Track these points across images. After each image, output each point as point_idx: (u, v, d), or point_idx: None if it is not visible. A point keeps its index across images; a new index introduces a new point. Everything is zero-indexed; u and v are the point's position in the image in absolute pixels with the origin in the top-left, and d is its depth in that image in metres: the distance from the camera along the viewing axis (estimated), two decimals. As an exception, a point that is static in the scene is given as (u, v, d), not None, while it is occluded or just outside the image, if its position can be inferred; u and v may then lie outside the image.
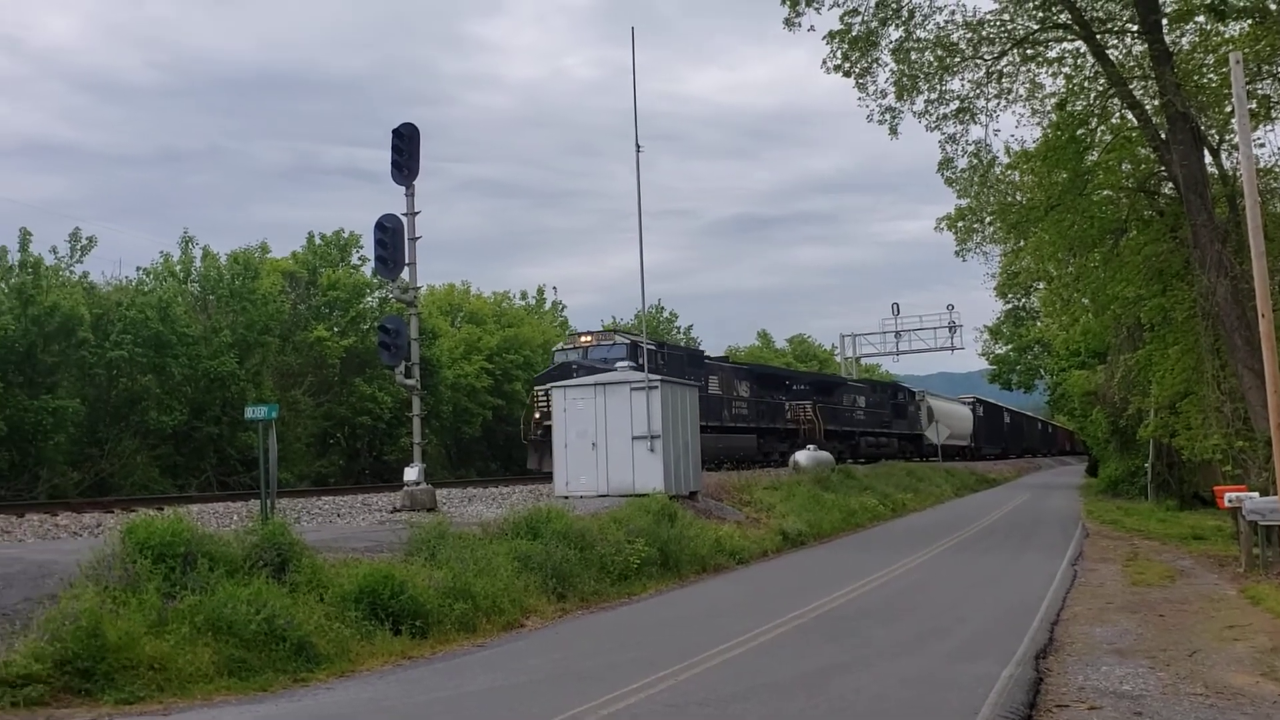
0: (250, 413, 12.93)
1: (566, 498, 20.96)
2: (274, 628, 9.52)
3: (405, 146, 19.26)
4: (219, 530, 11.95)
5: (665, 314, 65.62)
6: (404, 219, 19.30)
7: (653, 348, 29.37)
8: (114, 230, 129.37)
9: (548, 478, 27.76)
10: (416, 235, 19.40)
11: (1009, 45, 21.49)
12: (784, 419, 41.94)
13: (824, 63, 21.64)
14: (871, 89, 21.93)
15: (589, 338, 31.58)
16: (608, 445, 22.26)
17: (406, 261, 19.37)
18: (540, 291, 57.34)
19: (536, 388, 30.89)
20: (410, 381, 19.78)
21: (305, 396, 36.84)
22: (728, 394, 36.98)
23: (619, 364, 26.60)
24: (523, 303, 54.97)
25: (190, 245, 35.05)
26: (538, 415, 28.69)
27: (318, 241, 41.51)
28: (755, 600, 14.50)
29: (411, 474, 19.18)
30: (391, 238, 19.11)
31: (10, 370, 26.98)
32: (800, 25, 21.13)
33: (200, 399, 31.65)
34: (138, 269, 39.92)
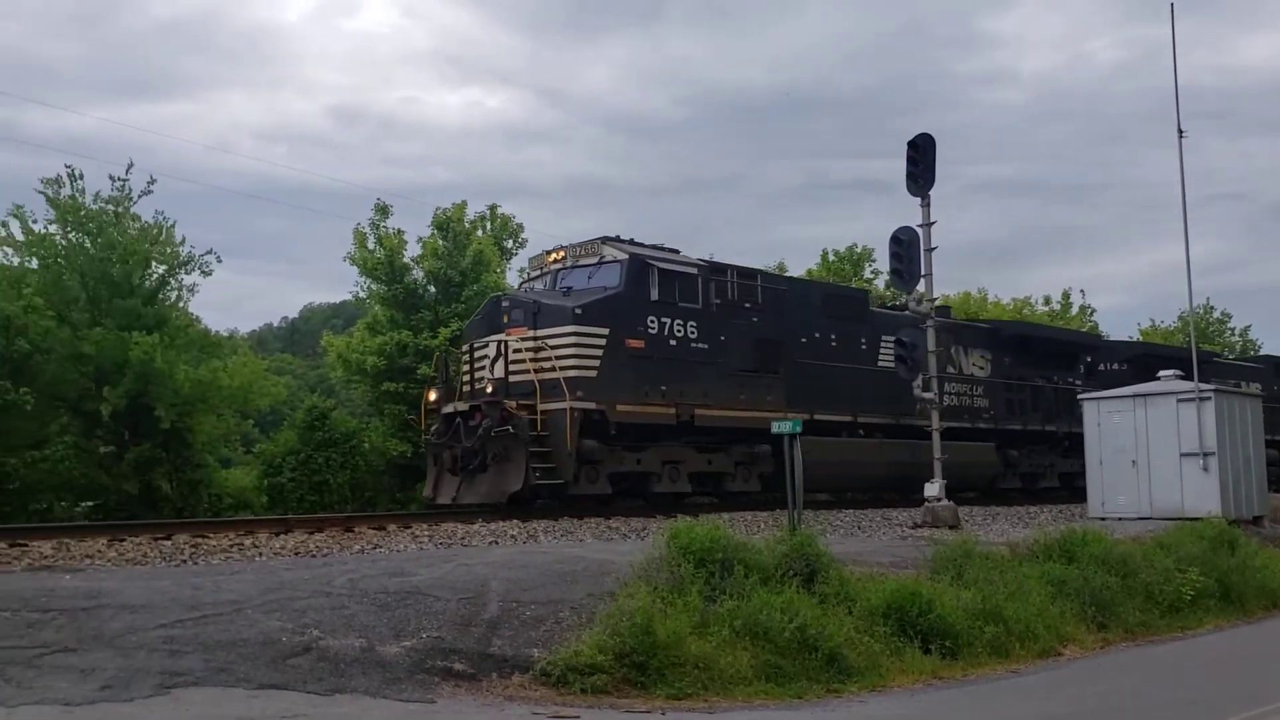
0: (776, 427, 13.41)
1: (1103, 519, 19.46)
2: (806, 637, 9.74)
3: (920, 157, 19.03)
4: (749, 536, 12.48)
5: (1216, 314, 57.94)
6: (919, 230, 19.07)
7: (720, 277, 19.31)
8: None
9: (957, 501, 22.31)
10: (932, 246, 19.10)
11: None
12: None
13: None
14: None
15: (558, 255, 19.33)
16: (1150, 463, 20.37)
17: (922, 273, 19.13)
18: (1065, 295, 53.74)
19: (463, 346, 19.40)
20: (929, 395, 19.50)
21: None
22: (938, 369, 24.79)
23: (609, 290, 17.98)
24: (1045, 308, 52.03)
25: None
26: (433, 396, 18.32)
27: (831, 258, 42.39)
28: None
29: (932, 490, 18.85)
30: (907, 250, 18.98)
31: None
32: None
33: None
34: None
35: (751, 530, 15.82)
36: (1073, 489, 26.19)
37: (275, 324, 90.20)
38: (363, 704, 7.35)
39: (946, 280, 65.30)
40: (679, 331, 18.67)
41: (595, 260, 18.76)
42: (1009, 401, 25.88)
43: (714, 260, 19.94)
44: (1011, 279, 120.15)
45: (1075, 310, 53.57)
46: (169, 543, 12.48)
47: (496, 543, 14.15)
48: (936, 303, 20.62)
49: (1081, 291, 64.48)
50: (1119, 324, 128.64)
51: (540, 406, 16.69)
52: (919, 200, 19.16)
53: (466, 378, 18.36)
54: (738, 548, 10.64)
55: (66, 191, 22.45)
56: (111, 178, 23.38)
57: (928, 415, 19.74)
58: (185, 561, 11.56)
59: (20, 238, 22.20)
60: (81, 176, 22.67)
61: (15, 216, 22.11)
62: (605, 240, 19.07)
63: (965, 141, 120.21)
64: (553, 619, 9.37)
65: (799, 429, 13.29)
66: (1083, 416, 21.97)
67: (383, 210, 28.45)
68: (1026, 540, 15.11)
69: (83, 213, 22.38)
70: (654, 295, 18.38)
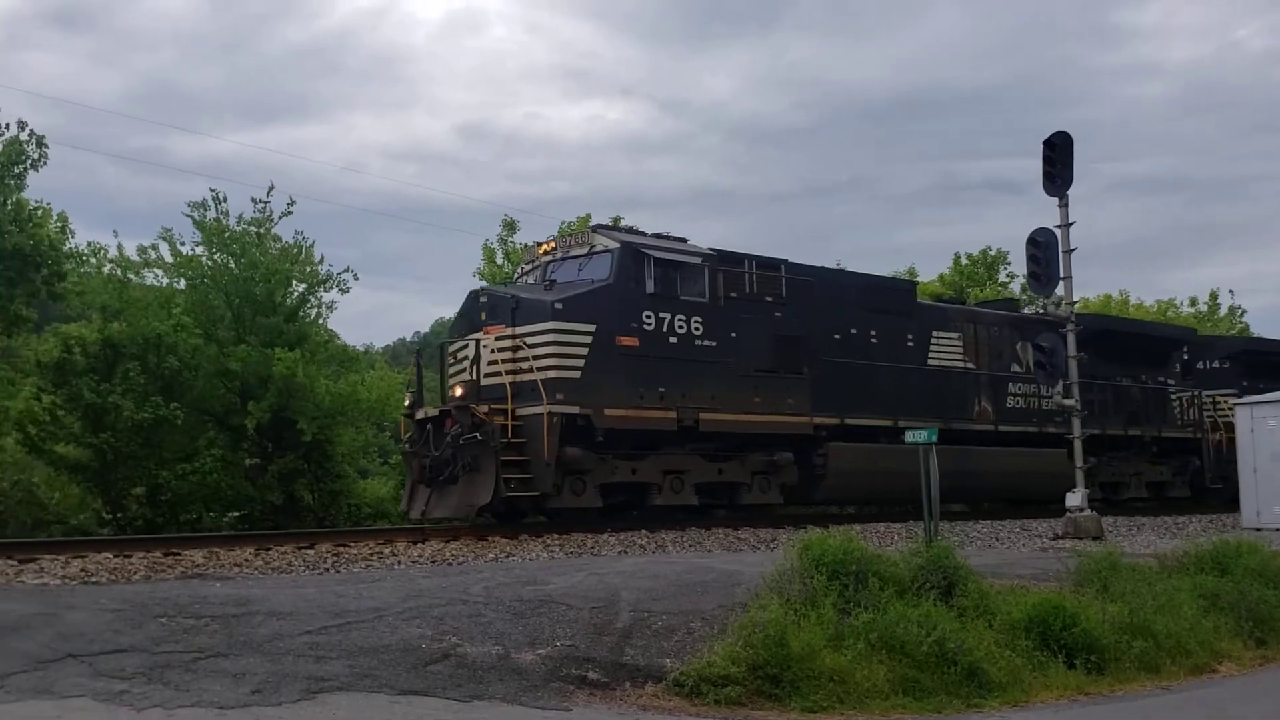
0: (910, 436, 13.14)
1: (1259, 530, 18.52)
2: (945, 650, 9.50)
3: (1057, 156, 18.42)
4: (882, 548, 12.26)
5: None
6: (1057, 231, 18.49)
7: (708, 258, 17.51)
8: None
9: (1193, 506, 21.82)
10: (1071, 248, 18.49)
11: None
12: (1175, 416, 24.91)
13: None
14: None
15: (548, 246, 18.00)
16: (1310, 470, 19.32)
17: (1061, 276, 18.54)
18: (1213, 296, 51.31)
19: (448, 348, 17.94)
20: (1070, 401, 18.88)
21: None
22: (990, 365, 21.92)
23: (596, 283, 16.57)
24: (1191, 309, 49.85)
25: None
26: (408, 402, 17.36)
27: (964, 261, 41.48)
28: None
29: (1074, 499, 18.23)
30: (1044, 252, 18.43)
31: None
32: None
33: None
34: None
35: (885, 542, 15.56)
36: (1166, 500, 24.57)
37: (408, 338, 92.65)
38: (500, 711, 7.45)
39: (1086, 283, 63.15)
40: (681, 327, 16.98)
41: (585, 251, 17.17)
42: (1086, 403, 22.22)
43: (726, 249, 18.50)
44: (1153, 280, 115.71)
45: (1224, 311, 51.21)
46: (312, 551, 12.89)
47: (625, 552, 14.24)
48: (1077, 305, 19.74)
49: (1230, 292, 61.54)
50: (1273, 325, 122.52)
51: (518, 411, 15.36)
52: (1056, 201, 18.57)
53: (452, 380, 16.85)
54: (872, 560, 10.44)
55: (211, 214, 23.43)
56: (253, 200, 24.39)
57: (988, 419, 19.02)
58: (327, 570, 11.94)
59: (169, 259, 23.25)
60: (225, 199, 23.65)
61: (164, 239, 23.17)
62: (597, 228, 17.82)
63: (1102, 138, 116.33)
64: (684, 629, 9.35)
65: (934, 438, 12.96)
66: (1234, 422, 20.90)
67: (510, 226, 28.98)
68: (1175, 552, 14.51)
69: (227, 234, 23.32)
70: (650, 288, 16.74)
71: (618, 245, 16.78)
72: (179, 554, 12.25)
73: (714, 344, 17.32)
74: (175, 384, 21.18)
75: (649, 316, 16.66)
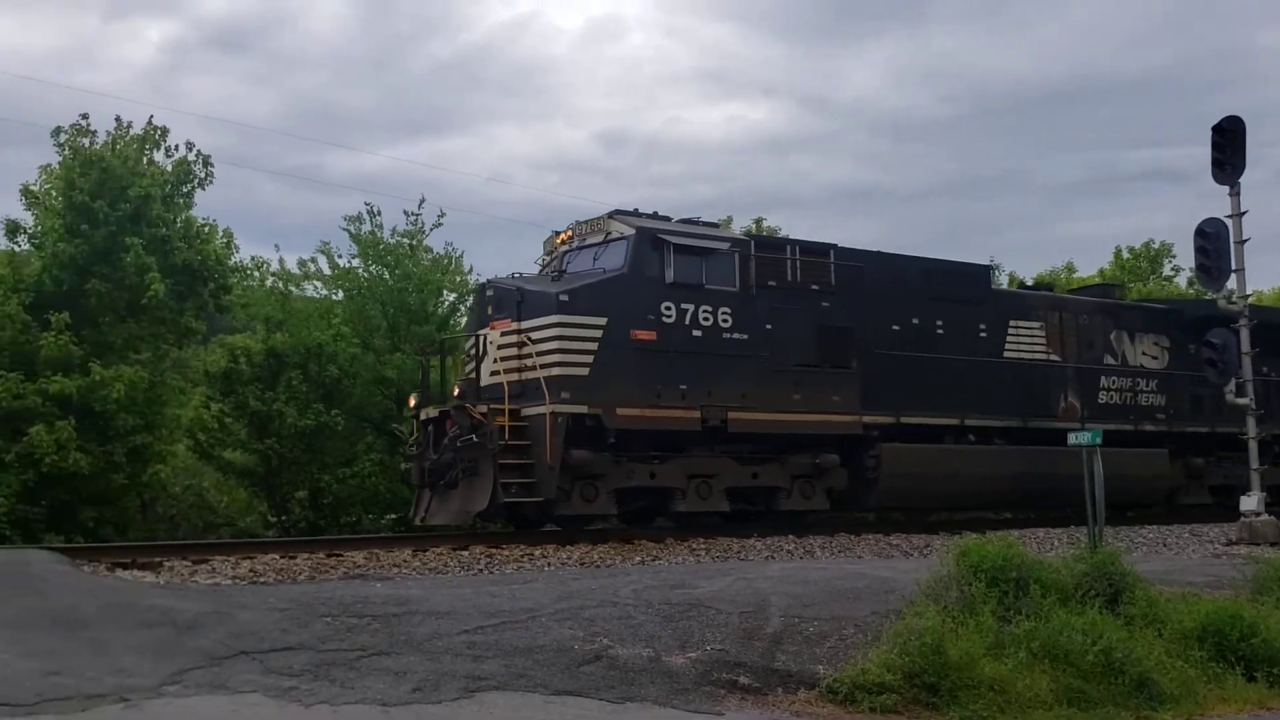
0: (1073, 438, 12.65)
1: None
2: (1111, 660, 9.10)
3: (1228, 142, 17.45)
4: (1041, 554, 11.84)
5: None
6: (1228, 221, 17.56)
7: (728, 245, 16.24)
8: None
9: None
10: (1244, 238, 17.53)
11: None
12: None
13: None
14: None
15: (565, 235, 16.88)
16: None
17: (1233, 268, 17.60)
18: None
19: (462, 338, 17.60)
20: (1243, 401, 17.91)
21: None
22: (1079, 357, 20.01)
23: (609, 273, 15.41)
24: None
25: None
26: (413, 401, 16.13)
27: (1125, 255, 39.82)
28: None
29: (1249, 503, 17.27)
30: (1214, 244, 17.52)
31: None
32: None
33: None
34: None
35: (1044, 548, 15.05)
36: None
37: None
38: (653, 713, 7.46)
39: (1264, 272, 59.81)
40: (706, 319, 15.67)
41: (602, 238, 15.97)
42: (1194, 398, 21.24)
43: (762, 234, 17.40)
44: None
45: None
46: (466, 553, 13.17)
47: (772, 557, 14.13)
48: (1250, 299, 18.60)
49: None
50: None
51: (524, 411, 14.52)
52: (1227, 189, 17.63)
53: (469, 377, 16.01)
54: (1033, 566, 10.10)
55: (366, 228, 24.25)
56: (405, 213, 25.12)
57: (1075, 416, 17.72)
58: (481, 570, 12.19)
59: (327, 272, 24.16)
60: (379, 213, 24.44)
61: (323, 253, 24.08)
62: (615, 214, 16.25)
63: (1275, 121, 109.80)
64: (836, 635, 9.21)
65: (1099, 440, 12.40)
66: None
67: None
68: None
69: (381, 247, 24.09)
70: (670, 276, 15.46)
71: (633, 231, 15.51)
72: (341, 555, 12.67)
73: (745, 337, 16.01)
74: (335, 391, 21.95)
75: (669, 308, 15.40)
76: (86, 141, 19.28)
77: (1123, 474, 17.89)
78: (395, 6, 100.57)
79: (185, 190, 20.22)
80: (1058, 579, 10.20)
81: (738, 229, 28.39)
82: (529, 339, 14.80)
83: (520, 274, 16.59)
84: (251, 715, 6.52)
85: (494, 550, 13.40)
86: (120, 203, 18.38)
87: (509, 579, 11.14)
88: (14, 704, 6.34)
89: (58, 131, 19.21)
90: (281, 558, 12.29)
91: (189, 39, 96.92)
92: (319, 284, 24.45)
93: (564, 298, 14.82)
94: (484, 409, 14.42)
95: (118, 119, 19.87)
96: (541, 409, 14.24)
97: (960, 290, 18.73)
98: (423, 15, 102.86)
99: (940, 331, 18.27)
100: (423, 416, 15.51)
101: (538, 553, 13.42)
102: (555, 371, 14.48)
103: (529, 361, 14.68)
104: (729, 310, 15.88)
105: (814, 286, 16.91)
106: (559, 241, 16.86)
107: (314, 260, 24.18)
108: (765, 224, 31.72)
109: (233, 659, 7.45)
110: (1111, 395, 20.44)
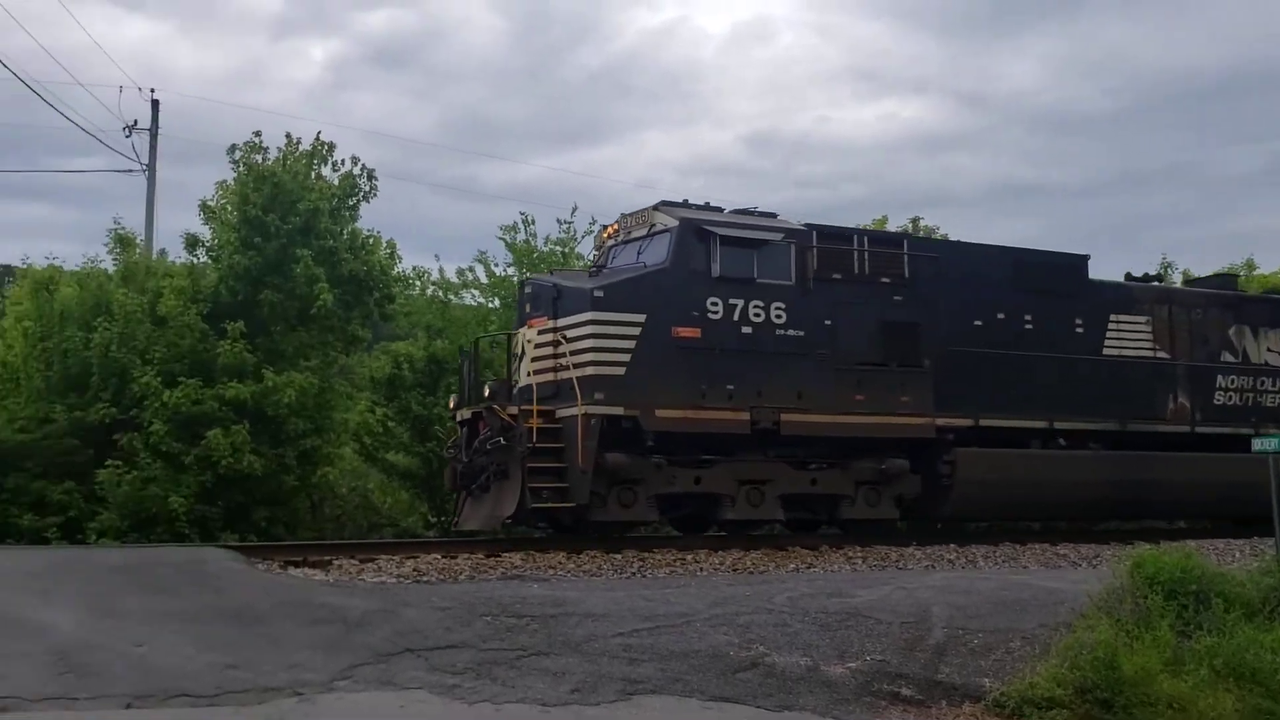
0: (1258, 444, 11.93)
1: None
2: (1305, 681, 8.55)
3: None
4: (1223, 567, 11.21)
5: None
6: None
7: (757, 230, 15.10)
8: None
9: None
10: None
11: None
12: None
13: None
14: None
15: (610, 229, 16.18)
16: None
17: None
18: None
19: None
20: None
21: None
22: (1191, 354, 18.30)
23: (650, 267, 14.67)
24: None
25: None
26: (453, 402, 15.70)
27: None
28: None
29: None
30: None
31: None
32: None
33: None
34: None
35: (1224, 560, 14.25)
36: None
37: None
38: (812, 723, 7.36)
39: None
40: (757, 315, 14.75)
41: (645, 231, 15.12)
42: None
43: (826, 225, 16.11)
44: None
45: None
46: (619, 556, 13.24)
47: (932, 566, 13.76)
48: None
49: None
50: None
51: (559, 413, 13.96)
52: None
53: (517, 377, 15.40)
54: (1214, 578, 9.60)
55: (521, 236, 24.66)
56: (558, 221, 25.51)
57: (1185, 418, 15.91)
58: (634, 574, 12.23)
59: (484, 280, 24.70)
60: (533, 222, 24.83)
61: (480, 262, 24.62)
62: (661, 205, 15.35)
63: None
64: (1003, 648, 8.93)
65: (1281, 446, 11.65)
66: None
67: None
68: None
69: (535, 255, 24.50)
70: (716, 271, 14.60)
71: (676, 223, 14.66)
72: (499, 556, 12.90)
73: (801, 333, 15.01)
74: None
75: (715, 304, 14.56)
76: (259, 158, 20.20)
77: (1240, 482, 16.63)
78: (548, 17, 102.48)
79: (351, 203, 20.94)
80: (1242, 593, 9.68)
81: (892, 227, 27.91)
82: (564, 337, 14.20)
83: (561, 270, 15.86)
84: (418, 712, 6.70)
85: (646, 554, 13.43)
86: (290, 216, 19.17)
87: (661, 583, 11.16)
88: (196, 695, 6.66)
89: (233, 149, 20.17)
90: (443, 557, 12.58)
91: (351, 56, 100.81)
92: (476, 292, 25.00)
93: (599, 294, 14.15)
94: (514, 410, 13.94)
95: (288, 136, 20.74)
96: (574, 410, 13.66)
97: (1052, 282, 17.36)
98: (573, 25, 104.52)
99: (1029, 327, 17.00)
100: (459, 418, 15.09)
101: (689, 557, 13.39)
102: (589, 371, 13.86)
103: (564, 361, 14.10)
104: (783, 305, 14.95)
105: (884, 279, 15.89)
106: (605, 236, 16.17)
107: (471, 269, 24.72)
108: (922, 223, 30.98)
109: (399, 656, 7.67)
110: (1230, 396, 18.70)
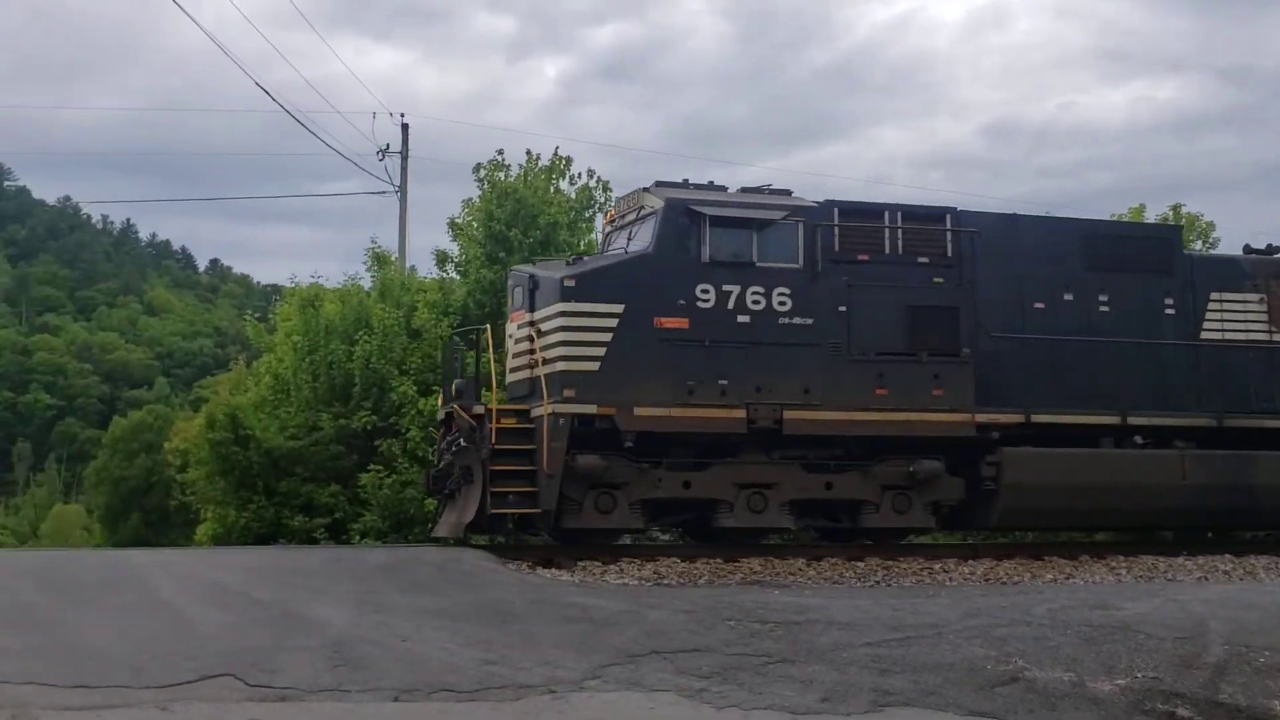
0: None
1: None
2: None
3: None
4: None
5: None
6: None
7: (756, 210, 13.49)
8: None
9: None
10: None
11: None
12: None
13: None
14: None
15: (610, 215, 15.08)
16: None
17: None
18: None
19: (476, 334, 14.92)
20: None
21: None
22: None
23: (633, 252, 13.48)
24: None
25: None
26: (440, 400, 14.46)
27: None
28: None
29: None
30: None
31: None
32: None
33: None
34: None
35: None
36: None
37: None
38: (1081, 743, 6.93)
39: None
40: (756, 302, 13.35)
41: (635, 215, 13.95)
42: None
43: (851, 200, 14.40)
44: None
45: None
46: (861, 564, 12.97)
47: (1206, 578, 12.85)
48: None
49: None
50: None
51: (533, 412, 13.01)
52: None
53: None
54: None
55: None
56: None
57: None
58: (878, 583, 11.97)
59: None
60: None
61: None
62: (656, 185, 13.97)
63: None
64: (1293, 669, 8.13)
65: None
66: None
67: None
68: None
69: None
70: (707, 255, 13.29)
71: (662, 203, 13.42)
72: (738, 561, 12.89)
73: (809, 321, 13.54)
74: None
75: (705, 291, 13.26)
76: (501, 175, 21.06)
77: None
78: (774, 18, 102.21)
79: (587, 215, 21.55)
80: None
81: (1150, 218, 25.62)
82: (538, 331, 13.35)
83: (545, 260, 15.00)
84: (668, 715, 6.72)
85: (890, 563, 13.10)
86: (531, 229, 19.90)
87: (909, 592, 10.85)
88: (458, 690, 6.93)
89: (477, 168, 21.15)
90: (683, 561, 12.68)
91: (581, 72, 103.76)
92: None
93: (569, 283, 13.06)
94: (480, 410, 13.06)
95: (528, 152, 21.57)
96: (542, 409, 12.82)
97: (1134, 258, 15.23)
98: (800, 24, 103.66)
99: (1104, 309, 14.86)
100: (440, 416, 14.27)
101: (937, 566, 12.98)
102: (559, 367, 12.88)
103: (537, 356, 13.24)
104: (788, 290, 13.51)
105: (922, 259, 14.18)
106: (606, 221, 15.17)
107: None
108: (1184, 210, 28.85)
109: (646, 657, 7.74)
110: None
